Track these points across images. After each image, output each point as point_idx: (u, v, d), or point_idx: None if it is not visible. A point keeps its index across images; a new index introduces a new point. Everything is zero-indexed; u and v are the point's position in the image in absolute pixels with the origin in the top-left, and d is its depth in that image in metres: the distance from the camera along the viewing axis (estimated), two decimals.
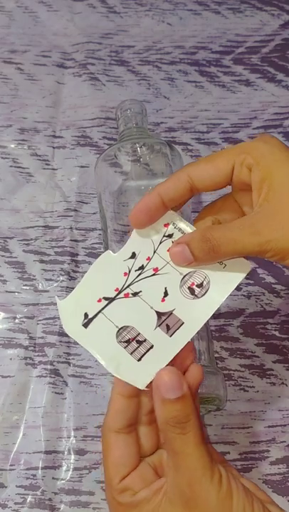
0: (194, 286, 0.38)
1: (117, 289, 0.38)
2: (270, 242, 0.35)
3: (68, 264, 0.57)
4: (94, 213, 0.60)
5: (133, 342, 0.37)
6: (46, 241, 0.58)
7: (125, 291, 0.38)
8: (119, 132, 0.59)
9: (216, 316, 0.55)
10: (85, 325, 0.37)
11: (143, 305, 0.38)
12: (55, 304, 0.55)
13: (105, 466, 0.36)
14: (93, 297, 0.38)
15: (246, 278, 0.56)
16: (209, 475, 0.33)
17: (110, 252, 0.39)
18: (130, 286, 0.38)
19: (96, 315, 0.37)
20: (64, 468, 0.48)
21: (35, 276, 0.56)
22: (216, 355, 0.52)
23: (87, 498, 0.47)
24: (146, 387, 0.35)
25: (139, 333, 0.37)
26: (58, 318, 0.54)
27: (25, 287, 0.56)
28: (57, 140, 0.65)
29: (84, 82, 0.70)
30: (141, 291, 0.38)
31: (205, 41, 0.74)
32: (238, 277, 0.38)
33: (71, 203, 0.61)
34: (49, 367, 0.52)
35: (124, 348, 0.37)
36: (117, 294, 0.38)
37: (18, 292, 0.55)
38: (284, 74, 0.71)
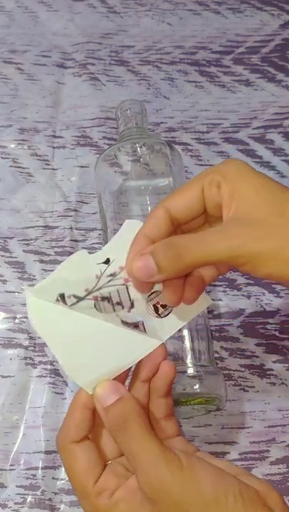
0: (159, 306, 0.38)
1: (87, 290, 0.38)
2: (241, 247, 0.33)
3: None
4: (94, 213, 0.60)
5: None
6: (46, 241, 0.58)
7: (94, 294, 0.38)
8: (119, 132, 0.59)
9: (216, 316, 0.55)
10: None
11: (109, 310, 0.38)
12: None
13: (74, 476, 0.36)
14: (64, 292, 0.38)
15: (246, 278, 0.56)
16: (164, 465, 0.33)
17: (86, 251, 0.39)
18: (100, 290, 0.38)
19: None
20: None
21: (35, 276, 0.56)
22: (216, 355, 0.52)
23: None
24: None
25: None
26: None
27: (25, 287, 0.56)
28: (57, 140, 0.65)
29: (84, 82, 0.70)
30: (109, 297, 0.38)
31: (205, 41, 0.74)
32: (200, 308, 0.39)
33: (71, 203, 0.61)
34: (49, 367, 0.52)
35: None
36: (87, 295, 0.38)
37: (18, 292, 0.55)
38: (284, 74, 0.71)
